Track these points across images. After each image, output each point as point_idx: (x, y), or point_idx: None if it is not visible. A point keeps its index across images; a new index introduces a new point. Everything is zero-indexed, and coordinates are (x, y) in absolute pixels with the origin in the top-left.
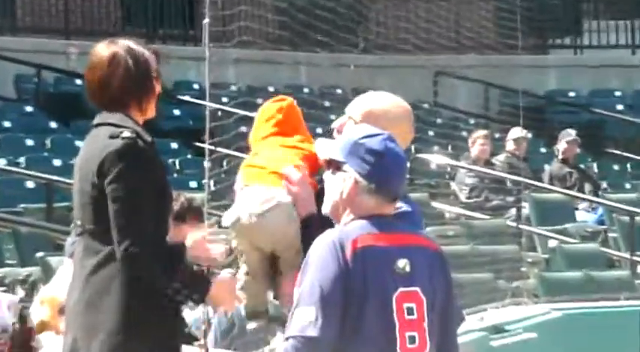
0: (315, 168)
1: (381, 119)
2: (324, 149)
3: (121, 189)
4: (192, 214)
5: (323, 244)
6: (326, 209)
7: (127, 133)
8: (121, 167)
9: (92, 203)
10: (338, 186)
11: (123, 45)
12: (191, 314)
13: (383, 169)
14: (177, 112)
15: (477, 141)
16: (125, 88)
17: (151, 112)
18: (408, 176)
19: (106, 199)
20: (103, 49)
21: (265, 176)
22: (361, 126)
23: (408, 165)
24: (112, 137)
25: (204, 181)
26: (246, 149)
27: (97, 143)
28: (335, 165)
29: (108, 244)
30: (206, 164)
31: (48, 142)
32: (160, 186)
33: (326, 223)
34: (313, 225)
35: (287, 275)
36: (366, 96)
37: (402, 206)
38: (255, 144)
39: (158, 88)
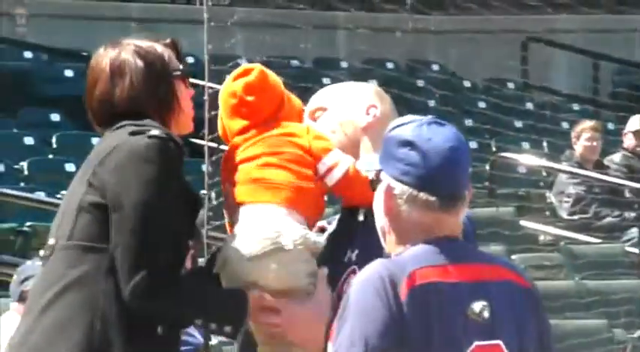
0: (314, 161)
1: (354, 96)
2: (365, 162)
3: (139, 201)
4: None
5: (367, 281)
6: (382, 242)
7: (155, 131)
8: (141, 171)
9: (77, 211)
10: (378, 203)
11: (127, 45)
12: None
13: (419, 162)
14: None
15: (583, 136)
16: (135, 101)
17: (182, 128)
18: (486, 184)
19: (96, 210)
20: (102, 56)
21: (264, 191)
22: (402, 117)
23: (487, 168)
24: (133, 134)
25: (202, 192)
26: None
27: (108, 141)
28: (378, 177)
29: (80, 265)
30: (206, 168)
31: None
32: (184, 200)
33: None
34: None
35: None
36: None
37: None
38: (234, 140)
39: (186, 92)
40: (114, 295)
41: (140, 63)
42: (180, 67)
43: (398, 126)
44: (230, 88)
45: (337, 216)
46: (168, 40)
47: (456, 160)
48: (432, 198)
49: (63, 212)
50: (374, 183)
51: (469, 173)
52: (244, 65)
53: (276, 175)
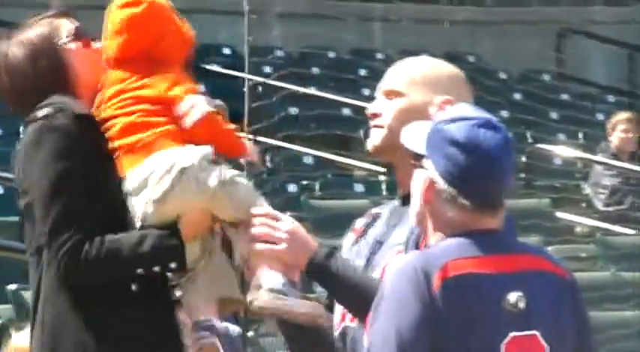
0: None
1: (434, 86)
2: (410, 136)
3: (38, 188)
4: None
5: (401, 273)
6: (412, 220)
7: (44, 111)
8: (34, 158)
9: (21, 218)
10: (417, 189)
11: (13, 36)
12: None
13: (463, 166)
14: (201, 87)
15: (619, 127)
16: (34, 88)
17: (88, 88)
18: (522, 175)
19: (30, 210)
20: None
21: (137, 153)
22: (459, 106)
23: (523, 159)
24: (27, 123)
25: None
26: (296, 139)
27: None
28: (419, 160)
29: (37, 268)
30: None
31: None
32: (94, 169)
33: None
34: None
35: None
36: (402, 63)
37: None
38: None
39: (84, 52)
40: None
41: (22, 51)
42: (65, 34)
43: (452, 120)
44: (117, 14)
45: (391, 203)
46: (55, 11)
47: (501, 170)
48: (472, 204)
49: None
50: (416, 161)
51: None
52: None
53: (141, 134)
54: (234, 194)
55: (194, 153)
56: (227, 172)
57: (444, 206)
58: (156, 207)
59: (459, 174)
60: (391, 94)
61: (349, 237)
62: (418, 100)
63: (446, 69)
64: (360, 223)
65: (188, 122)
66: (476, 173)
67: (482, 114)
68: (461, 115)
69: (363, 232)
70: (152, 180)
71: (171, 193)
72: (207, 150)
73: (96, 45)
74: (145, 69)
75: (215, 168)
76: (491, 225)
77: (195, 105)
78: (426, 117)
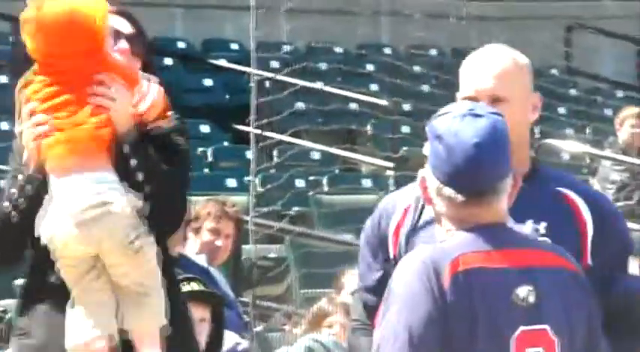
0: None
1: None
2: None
3: None
4: (225, 221)
5: (411, 267)
6: None
7: None
8: None
9: None
10: None
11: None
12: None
13: (443, 158)
14: (208, 83)
15: (627, 122)
16: None
17: None
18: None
19: None
20: None
21: (71, 146)
22: (459, 103)
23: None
24: None
25: (247, 179)
26: (304, 134)
27: None
28: None
29: None
30: (251, 155)
31: None
32: None
33: None
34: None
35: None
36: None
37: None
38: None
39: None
40: None
41: None
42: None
43: (439, 115)
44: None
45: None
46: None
47: (480, 157)
48: (456, 195)
49: None
50: None
51: (505, 164)
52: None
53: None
54: (142, 262)
55: (128, 201)
56: (145, 239)
57: (437, 202)
58: (71, 228)
59: (440, 167)
60: (497, 101)
61: (402, 217)
62: (520, 106)
63: (524, 60)
64: (405, 203)
65: (142, 107)
66: (455, 162)
67: (478, 107)
68: (447, 110)
69: (419, 215)
70: (78, 204)
71: (91, 224)
72: (139, 203)
73: (121, 45)
74: None
75: (140, 228)
76: (490, 217)
77: (147, 92)
78: (526, 124)
